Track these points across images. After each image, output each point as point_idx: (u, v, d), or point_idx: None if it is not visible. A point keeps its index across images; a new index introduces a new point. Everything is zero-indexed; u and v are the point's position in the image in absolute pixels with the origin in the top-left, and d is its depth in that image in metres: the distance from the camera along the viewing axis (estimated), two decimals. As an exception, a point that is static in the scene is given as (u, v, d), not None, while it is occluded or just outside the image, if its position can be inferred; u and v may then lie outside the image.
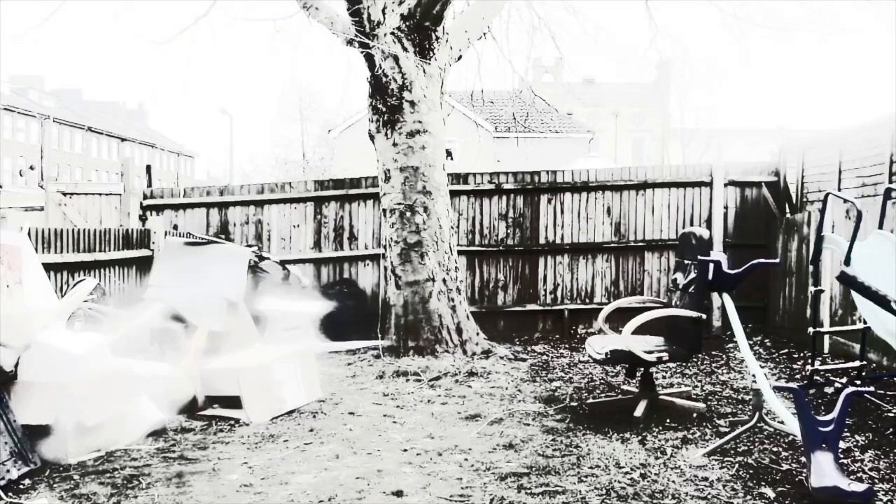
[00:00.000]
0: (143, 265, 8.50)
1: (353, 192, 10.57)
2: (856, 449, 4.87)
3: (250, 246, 9.74)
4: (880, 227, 5.94)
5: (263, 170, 49.28)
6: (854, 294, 5.66)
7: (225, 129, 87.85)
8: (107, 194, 10.62)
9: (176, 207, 10.74)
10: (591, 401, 6.33)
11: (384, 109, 8.03)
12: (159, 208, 10.73)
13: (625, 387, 6.72)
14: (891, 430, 5.23)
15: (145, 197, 10.76)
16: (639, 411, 5.59)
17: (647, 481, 4.33)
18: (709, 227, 10.14)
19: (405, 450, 5.05)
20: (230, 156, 37.75)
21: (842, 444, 4.69)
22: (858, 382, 6.24)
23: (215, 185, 11.59)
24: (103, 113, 64.62)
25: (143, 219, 10.59)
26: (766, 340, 9.14)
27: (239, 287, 8.11)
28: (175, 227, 10.46)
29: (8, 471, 4.39)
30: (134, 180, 10.94)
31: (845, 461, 4.59)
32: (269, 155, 50.90)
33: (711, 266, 5.21)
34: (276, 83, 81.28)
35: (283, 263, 9.67)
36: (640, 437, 5.20)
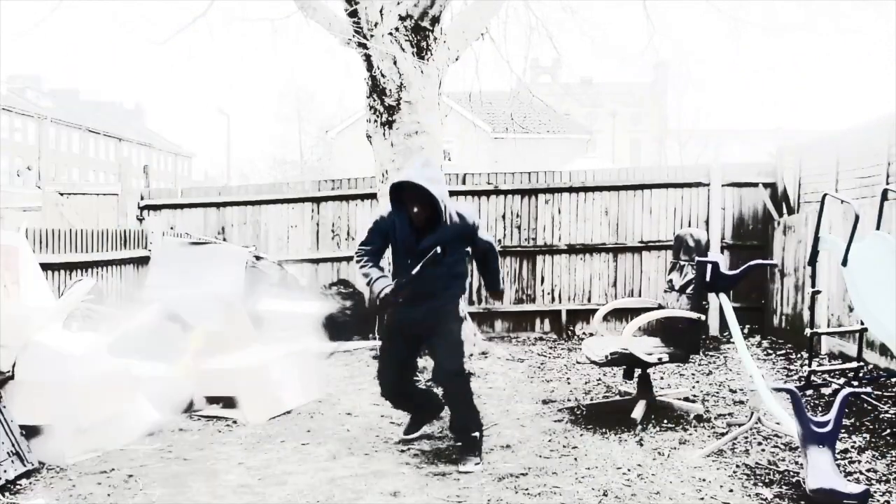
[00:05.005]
0: (141, 266, 8.51)
1: (350, 192, 10.57)
2: (853, 450, 4.88)
3: (247, 246, 9.75)
4: (878, 228, 5.94)
5: (261, 170, 49.28)
6: (851, 295, 5.67)
7: (222, 129, 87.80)
8: (104, 194, 10.62)
9: (173, 208, 10.74)
10: (588, 402, 6.34)
11: (382, 110, 8.03)
12: (157, 209, 10.72)
13: (622, 388, 6.73)
14: (888, 431, 5.24)
15: (142, 197, 10.75)
16: (637, 412, 5.60)
17: (645, 482, 4.34)
18: (707, 228, 10.15)
19: (402, 450, 5.05)
20: (227, 156, 37.74)
21: (839, 445, 4.71)
22: (856, 383, 6.25)
23: (213, 186, 11.60)
24: (101, 113, 64.55)
25: (140, 219, 10.59)
26: (764, 342, 9.15)
27: (236, 287, 8.12)
28: (172, 228, 10.46)
29: (5, 471, 4.38)
30: (131, 181, 10.94)
31: (842, 462, 4.60)
32: (266, 155, 50.89)
33: (709, 267, 5.22)
34: (273, 83, 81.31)
35: (280, 264, 9.68)
36: (637, 438, 5.21)
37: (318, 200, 10.65)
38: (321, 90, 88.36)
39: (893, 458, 4.70)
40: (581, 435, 5.34)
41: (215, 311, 7.18)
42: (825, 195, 6.32)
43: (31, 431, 4.72)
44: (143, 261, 8.55)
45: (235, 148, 79.78)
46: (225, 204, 10.71)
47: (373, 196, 10.02)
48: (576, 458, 4.80)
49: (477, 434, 4.90)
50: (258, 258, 9.21)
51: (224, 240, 10.37)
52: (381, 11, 7.92)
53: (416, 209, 4.66)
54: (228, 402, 5.96)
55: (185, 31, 8.90)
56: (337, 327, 9.61)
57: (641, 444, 5.07)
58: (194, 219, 10.68)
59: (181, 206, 10.74)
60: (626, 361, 5.73)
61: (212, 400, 6.06)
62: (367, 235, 4.97)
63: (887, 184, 7.48)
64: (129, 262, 8.42)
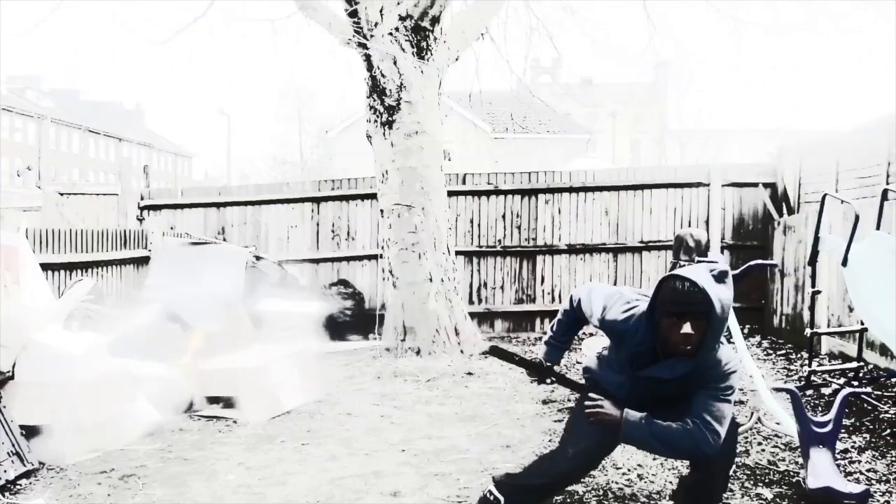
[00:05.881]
0: (141, 266, 8.51)
1: (350, 192, 10.58)
2: (853, 450, 4.88)
3: (247, 246, 9.75)
4: (878, 228, 5.95)
5: (261, 170, 49.29)
6: (851, 295, 5.67)
7: (222, 129, 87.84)
8: (104, 194, 10.63)
9: (174, 208, 10.75)
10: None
11: (382, 110, 8.03)
12: (157, 209, 10.74)
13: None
14: (888, 431, 5.24)
15: (143, 197, 10.76)
16: (636, 412, 5.60)
17: (645, 482, 4.34)
18: (707, 228, 10.15)
19: (403, 450, 5.05)
20: (228, 156, 37.75)
21: (839, 446, 4.70)
22: (856, 384, 6.25)
23: (213, 186, 11.61)
24: (101, 113, 64.54)
25: (140, 219, 10.60)
26: (764, 342, 9.15)
27: (236, 287, 8.12)
28: (173, 228, 10.46)
29: (5, 471, 4.38)
30: (131, 181, 10.95)
31: (843, 462, 4.61)
32: (266, 155, 50.94)
33: (709, 267, 5.22)
34: (274, 83, 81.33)
35: (280, 264, 9.68)
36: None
37: (318, 200, 10.66)
38: (322, 90, 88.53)
39: (893, 459, 4.70)
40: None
41: (215, 311, 7.18)
42: (825, 195, 6.33)
43: (31, 431, 4.73)
44: (143, 261, 8.55)
45: (236, 148, 79.74)
46: (225, 204, 10.71)
47: (373, 196, 10.02)
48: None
49: None
50: (258, 258, 9.21)
51: (224, 240, 10.37)
52: (381, 11, 7.93)
53: (685, 325, 3.13)
54: (229, 403, 5.96)
55: (186, 32, 8.89)
56: (337, 327, 9.62)
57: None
58: (194, 219, 10.69)
59: (181, 207, 10.75)
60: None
61: (212, 400, 6.06)
62: (593, 301, 3.69)
63: (887, 184, 7.48)
64: (129, 263, 8.43)
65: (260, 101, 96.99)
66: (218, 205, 10.72)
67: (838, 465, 4.23)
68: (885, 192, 6.13)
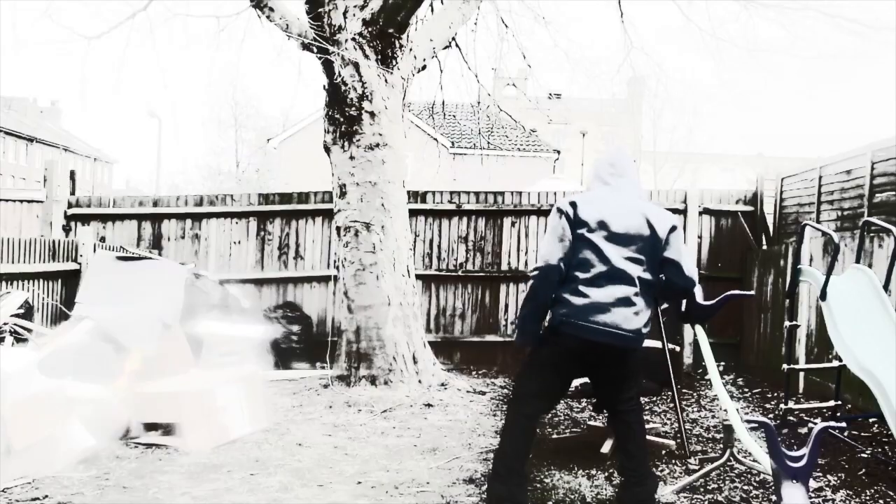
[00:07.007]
0: (70, 279, 8.60)
1: (300, 207, 10.78)
2: (828, 488, 5.23)
3: (185, 263, 9.87)
4: (857, 260, 6.36)
5: (194, 180, 49.07)
6: (829, 330, 6.04)
7: (150, 133, 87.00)
8: (28, 201, 10.65)
9: (104, 218, 10.82)
10: (555, 436, 6.63)
11: (342, 120, 8.28)
12: (85, 218, 10.79)
13: (591, 423, 7.03)
14: (863, 470, 5.62)
15: (70, 205, 10.80)
16: (606, 447, 5.90)
17: None
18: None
19: (359, 482, 5.25)
20: (158, 163, 37.55)
21: (814, 484, 5.05)
22: (833, 423, 6.63)
23: (147, 196, 11.69)
24: (9, 110, 63.46)
25: (66, 229, 10.64)
26: (739, 379, 9.55)
27: (174, 307, 8.24)
28: (103, 240, 10.53)
29: (-70, 495, 4.48)
30: (56, 187, 10.98)
31: (817, 500, 4.94)
32: (199, 164, 50.78)
33: (684, 296, 5.55)
34: (211, 86, 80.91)
35: (221, 283, 9.81)
36: (606, 474, 5.50)
37: (264, 215, 10.82)
38: (261, 93, 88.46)
39: (868, 498, 5.06)
40: (548, 469, 5.60)
41: (151, 332, 7.32)
42: (805, 225, 6.72)
43: (-44, 454, 4.82)
44: (72, 274, 8.64)
45: (164, 155, 79.19)
46: (161, 216, 10.82)
47: (325, 212, 10.24)
48: (543, 493, 5.06)
49: None
50: (197, 276, 9.34)
51: (160, 255, 10.47)
52: (344, 14, 8.20)
53: None
54: (168, 429, 6.10)
55: (123, 27, 8.99)
56: (281, 354, 9.77)
57: (611, 480, 5.36)
58: (127, 231, 10.77)
59: (112, 217, 10.83)
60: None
61: (150, 426, 6.19)
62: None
63: (869, 215, 7.95)
64: (57, 276, 8.51)
65: (192, 105, 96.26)
66: (153, 216, 10.82)
67: (812, 503, 4.55)
68: (866, 224, 6.55)
